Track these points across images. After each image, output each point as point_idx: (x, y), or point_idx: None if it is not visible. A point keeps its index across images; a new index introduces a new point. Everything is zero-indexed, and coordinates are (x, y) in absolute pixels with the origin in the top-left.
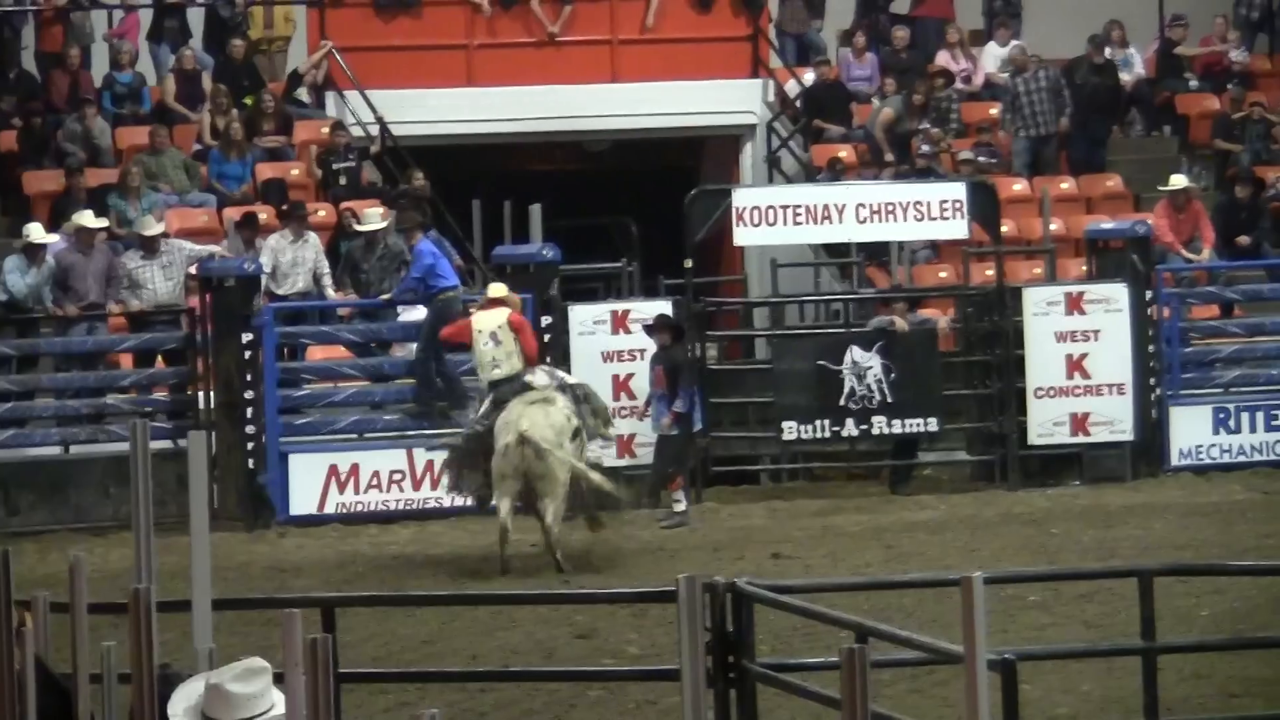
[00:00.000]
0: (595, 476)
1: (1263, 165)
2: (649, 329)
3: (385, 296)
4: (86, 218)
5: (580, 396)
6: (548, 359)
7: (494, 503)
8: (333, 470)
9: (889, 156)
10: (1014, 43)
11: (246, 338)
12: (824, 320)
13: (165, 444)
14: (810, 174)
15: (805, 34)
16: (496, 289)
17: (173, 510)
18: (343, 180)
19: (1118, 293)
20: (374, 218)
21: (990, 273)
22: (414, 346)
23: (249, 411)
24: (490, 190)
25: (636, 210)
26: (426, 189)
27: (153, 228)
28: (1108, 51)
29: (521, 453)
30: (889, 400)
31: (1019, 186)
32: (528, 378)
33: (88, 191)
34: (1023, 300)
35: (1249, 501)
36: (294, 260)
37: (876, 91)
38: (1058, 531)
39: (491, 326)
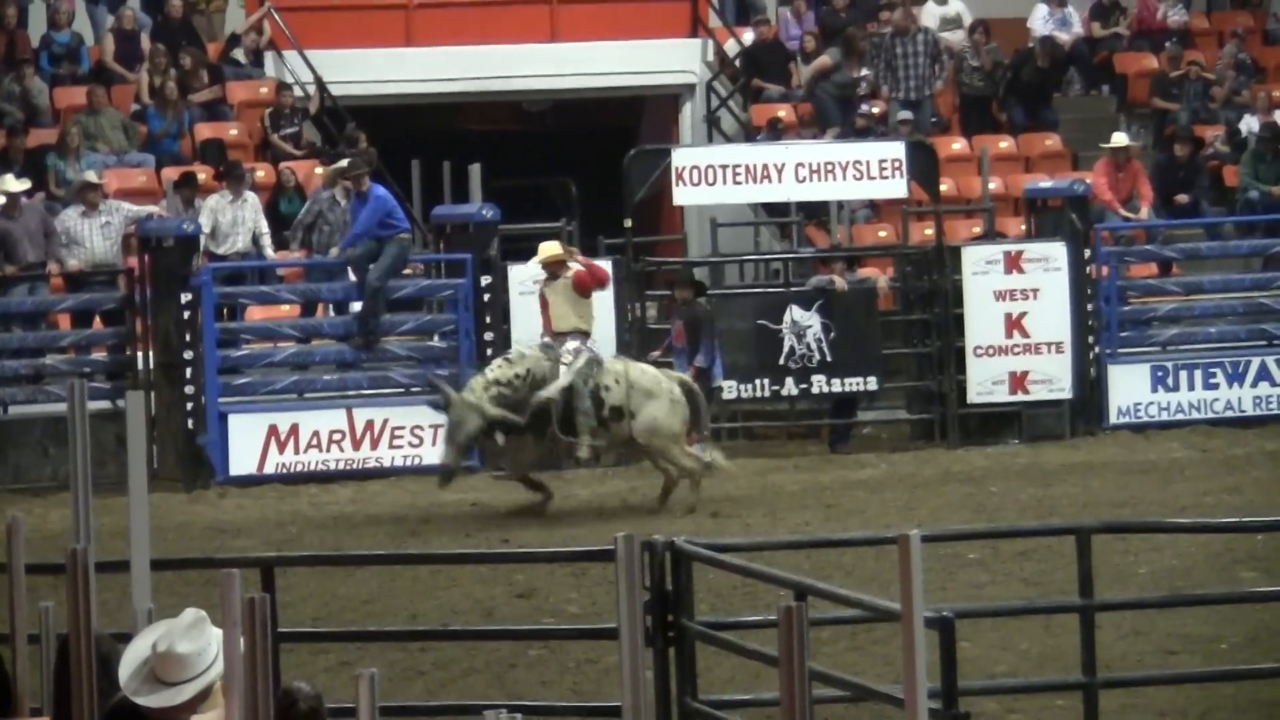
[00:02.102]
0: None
1: (1201, 124)
2: (670, 285)
3: (334, 250)
4: (8, 182)
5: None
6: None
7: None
8: (272, 430)
9: (803, 89)
10: (960, 11)
11: (185, 298)
12: (763, 279)
13: (104, 404)
14: (750, 134)
15: None
16: (549, 248)
17: (111, 471)
18: (283, 140)
19: (1056, 251)
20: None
21: (929, 232)
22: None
23: (188, 372)
24: (429, 150)
25: (576, 170)
26: (373, 154)
27: (93, 178)
28: (1045, 12)
29: None
30: (828, 359)
31: (958, 146)
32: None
33: (26, 152)
34: (962, 259)
35: (1187, 459)
36: (233, 220)
37: (811, 50)
38: (996, 489)
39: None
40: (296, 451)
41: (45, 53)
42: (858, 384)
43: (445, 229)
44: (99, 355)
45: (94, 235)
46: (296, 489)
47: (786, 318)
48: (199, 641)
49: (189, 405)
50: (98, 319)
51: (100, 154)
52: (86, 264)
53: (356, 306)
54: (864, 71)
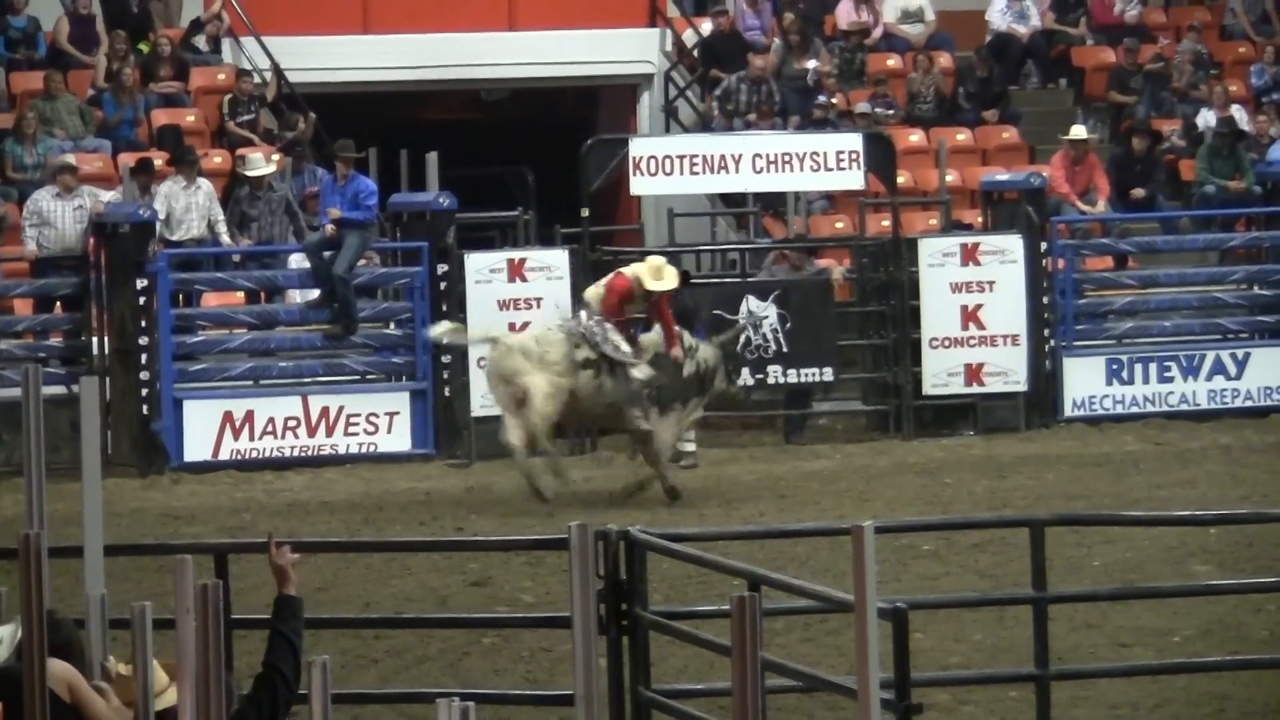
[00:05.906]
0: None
1: (1158, 118)
2: None
3: (340, 217)
4: None
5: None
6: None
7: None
8: (227, 416)
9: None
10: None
11: (141, 284)
12: (720, 270)
13: (59, 390)
14: (707, 124)
15: None
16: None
17: (66, 456)
18: (239, 127)
19: (1012, 244)
20: (259, 163)
21: (886, 224)
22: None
23: (143, 358)
24: (386, 138)
25: (533, 159)
26: (316, 131)
27: (70, 160)
28: (1004, 5)
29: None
30: (784, 350)
31: (915, 138)
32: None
33: None
34: (918, 251)
35: (1141, 452)
36: (187, 206)
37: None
38: (951, 481)
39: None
40: (251, 438)
41: (2, 37)
42: (813, 375)
43: (402, 217)
44: (54, 341)
45: (66, 218)
46: (251, 476)
47: (743, 308)
48: None
49: (144, 391)
50: (57, 304)
51: (57, 139)
52: (56, 246)
53: (312, 294)
54: (810, 63)
